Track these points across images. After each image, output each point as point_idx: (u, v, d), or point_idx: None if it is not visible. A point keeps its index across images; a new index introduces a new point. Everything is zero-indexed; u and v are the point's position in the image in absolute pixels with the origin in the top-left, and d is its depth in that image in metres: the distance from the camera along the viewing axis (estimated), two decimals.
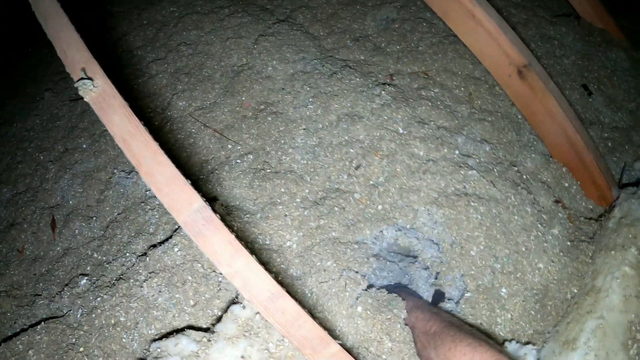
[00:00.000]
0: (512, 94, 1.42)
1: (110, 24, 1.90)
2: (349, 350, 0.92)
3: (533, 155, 1.42)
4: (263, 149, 1.39)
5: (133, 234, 1.27)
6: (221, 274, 0.99)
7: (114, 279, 1.16)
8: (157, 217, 1.27)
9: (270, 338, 0.87)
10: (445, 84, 1.51)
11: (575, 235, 1.31)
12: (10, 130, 1.75)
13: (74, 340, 1.07)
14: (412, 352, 0.95)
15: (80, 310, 1.13)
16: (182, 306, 1.03)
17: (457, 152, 1.32)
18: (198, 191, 0.80)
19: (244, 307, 0.91)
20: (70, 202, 1.45)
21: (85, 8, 1.96)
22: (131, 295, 1.08)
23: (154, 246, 1.16)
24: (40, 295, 1.27)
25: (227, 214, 1.21)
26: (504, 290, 1.17)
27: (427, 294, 1.13)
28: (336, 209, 1.21)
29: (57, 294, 1.23)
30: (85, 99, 0.87)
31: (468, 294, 1.15)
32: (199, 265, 1.08)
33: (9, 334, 1.16)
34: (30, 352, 1.08)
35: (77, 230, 1.38)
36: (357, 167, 1.29)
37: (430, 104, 1.43)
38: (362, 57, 1.62)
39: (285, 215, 1.21)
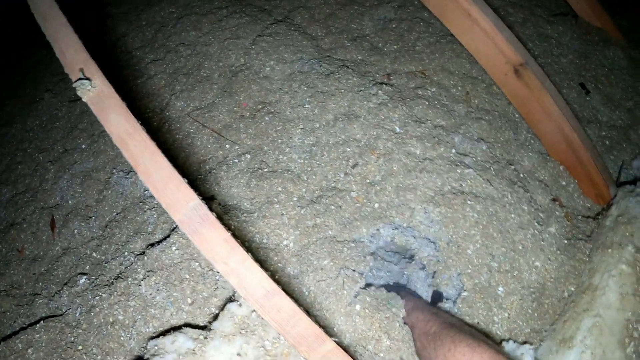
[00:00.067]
0: (509, 93, 1.42)
1: (109, 25, 1.91)
2: (345, 348, 0.93)
3: (530, 153, 1.43)
4: (260, 148, 1.39)
5: (131, 234, 1.27)
6: (218, 272, 1.00)
7: (113, 277, 1.16)
8: (155, 216, 1.28)
9: (266, 336, 0.87)
10: (442, 83, 1.52)
11: (573, 234, 1.31)
12: (9, 131, 1.76)
13: (72, 338, 1.08)
14: (411, 350, 0.96)
15: (79, 309, 1.14)
16: (180, 304, 1.03)
17: (453, 150, 1.32)
18: (195, 190, 0.81)
19: (240, 305, 0.92)
20: (70, 202, 1.46)
21: (85, 9, 1.97)
22: (129, 293, 1.08)
23: (152, 245, 1.17)
24: (40, 294, 1.28)
25: (224, 213, 1.22)
26: (500, 289, 1.18)
27: (426, 295, 1.14)
28: (333, 207, 1.22)
29: (56, 293, 1.24)
30: (83, 99, 0.88)
31: (465, 293, 1.15)
32: (197, 263, 1.09)
33: (9, 333, 1.17)
34: (29, 350, 1.09)
35: (76, 230, 1.38)
36: (353, 166, 1.29)
37: (427, 103, 1.43)
38: (360, 57, 1.63)
39: (282, 214, 1.22)
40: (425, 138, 1.33)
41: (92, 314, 1.09)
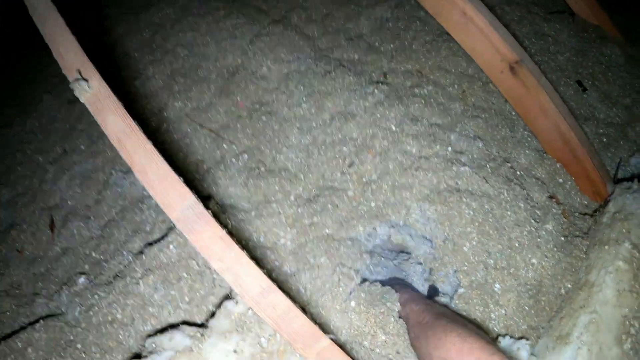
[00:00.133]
0: (505, 91, 1.43)
1: (108, 27, 1.92)
2: (341, 345, 0.94)
3: (527, 151, 1.43)
4: (258, 148, 1.40)
5: (130, 233, 1.28)
6: (215, 270, 1.01)
7: (111, 277, 1.17)
8: (153, 216, 1.29)
9: (262, 333, 0.88)
10: (438, 81, 1.52)
11: (570, 231, 1.31)
12: (9, 132, 1.78)
13: (72, 337, 1.09)
14: (406, 344, 0.96)
15: (78, 308, 1.15)
16: (178, 303, 1.04)
17: (449, 148, 1.32)
18: (192, 189, 0.82)
19: (237, 303, 0.92)
20: (69, 202, 1.47)
21: (83, 11, 1.99)
22: (128, 292, 1.09)
23: (150, 244, 1.17)
24: (40, 294, 1.29)
25: (222, 212, 1.23)
26: (497, 285, 1.18)
27: (422, 289, 1.14)
28: (329, 206, 1.22)
29: (55, 292, 1.25)
30: (80, 100, 0.89)
31: (461, 290, 1.15)
32: (194, 262, 1.10)
33: (9, 332, 1.18)
34: (29, 349, 1.10)
35: (75, 230, 1.39)
36: (350, 165, 1.30)
37: (423, 101, 1.44)
38: (356, 56, 1.63)
39: (279, 213, 1.23)
40: (421, 136, 1.33)
41: (91, 313, 1.10)
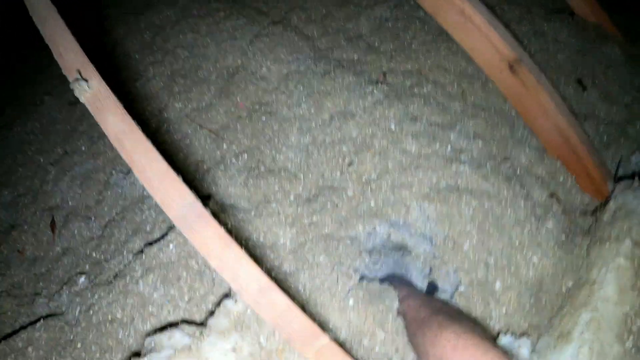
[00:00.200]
0: (505, 90, 1.43)
1: (108, 28, 1.93)
2: (341, 344, 0.93)
3: (527, 150, 1.43)
4: (257, 148, 1.40)
5: (130, 233, 1.29)
6: (214, 269, 1.01)
7: (112, 276, 1.17)
8: (153, 216, 1.29)
9: (261, 331, 0.88)
10: (438, 81, 1.52)
11: (570, 229, 1.31)
12: (10, 134, 1.79)
13: (72, 337, 1.09)
14: (405, 341, 0.96)
15: (78, 308, 1.15)
16: (177, 302, 1.04)
17: (449, 147, 1.32)
18: (192, 189, 0.82)
19: (236, 302, 0.92)
20: (70, 203, 1.48)
21: (84, 12, 2.00)
22: (127, 292, 1.09)
23: (150, 244, 1.18)
24: (40, 294, 1.29)
25: (221, 212, 1.23)
26: (498, 284, 1.17)
27: (421, 286, 1.14)
28: (329, 205, 1.22)
29: (56, 292, 1.26)
30: (80, 100, 0.90)
31: (462, 288, 1.15)
32: (194, 261, 1.10)
33: (9, 332, 1.18)
34: (29, 348, 1.10)
35: (76, 231, 1.40)
36: (349, 164, 1.30)
37: (422, 100, 1.44)
38: (356, 56, 1.64)
39: (279, 213, 1.23)
40: (421, 135, 1.33)
41: (91, 312, 1.10)
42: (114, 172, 1.48)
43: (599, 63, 1.74)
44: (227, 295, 0.99)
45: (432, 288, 1.11)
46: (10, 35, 2.16)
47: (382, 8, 1.77)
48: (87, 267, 1.28)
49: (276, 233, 1.19)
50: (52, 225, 1.45)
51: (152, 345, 0.89)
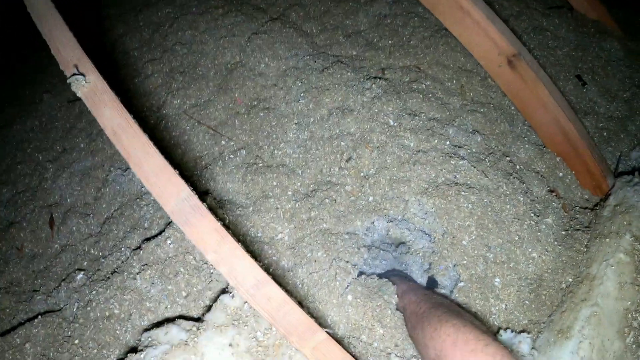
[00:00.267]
0: (504, 84, 1.42)
1: (108, 26, 1.93)
2: (339, 340, 0.93)
3: (526, 145, 1.42)
4: (256, 143, 1.40)
5: (128, 229, 1.28)
6: (211, 263, 1.00)
7: (109, 272, 1.17)
8: (151, 212, 1.29)
9: (258, 327, 0.88)
10: (436, 76, 1.52)
11: (570, 225, 1.30)
12: (10, 132, 1.79)
13: (69, 333, 1.09)
14: (404, 336, 0.95)
15: (76, 304, 1.15)
16: (175, 297, 1.04)
17: (447, 142, 1.32)
18: (191, 185, 0.82)
19: (233, 297, 0.92)
20: (68, 200, 1.47)
21: (85, 12, 2.00)
22: (125, 287, 1.09)
23: (148, 240, 1.17)
24: (39, 291, 1.29)
25: (219, 208, 1.23)
26: (497, 280, 1.17)
27: (421, 280, 1.13)
28: (327, 201, 1.22)
29: (54, 289, 1.25)
30: (77, 94, 0.90)
31: (461, 284, 1.14)
32: (191, 257, 1.09)
33: (8, 329, 1.18)
34: (27, 345, 1.10)
35: (74, 228, 1.40)
36: (348, 160, 1.29)
37: (421, 96, 1.43)
38: (354, 53, 1.63)
39: (277, 208, 1.22)
40: (419, 130, 1.33)
41: (89, 308, 1.10)
42: (112, 169, 1.48)
43: (598, 58, 1.73)
44: (224, 290, 0.99)
45: (432, 282, 1.10)
46: (10, 35, 2.16)
47: (380, 4, 1.77)
48: (85, 263, 1.28)
49: (274, 228, 1.19)
50: (51, 222, 1.45)
51: (149, 340, 0.89)
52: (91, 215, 1.41)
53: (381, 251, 1.15)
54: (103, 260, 1.24)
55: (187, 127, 1.50)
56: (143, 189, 1.37)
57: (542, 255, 1.21)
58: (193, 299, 1.03)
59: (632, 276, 1.11)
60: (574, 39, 1.76)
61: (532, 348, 1.08)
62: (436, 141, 1.31)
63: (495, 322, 1.13)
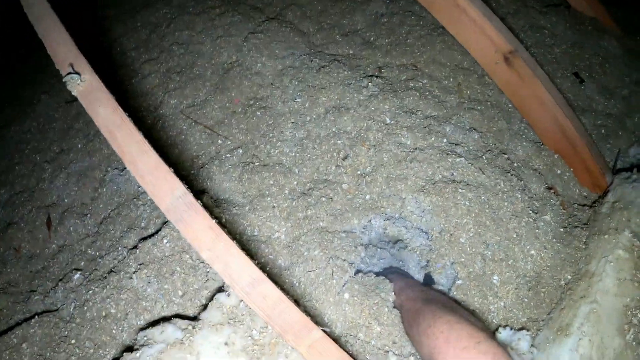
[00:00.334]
0: (500, 82, 1.42)
1: (105, 27, 1.94)
2: (336, 338, 0.92)
3: (524, 143, 1.41)
4: (252, 143, 1.40)
5: (125, 229, 1.28)
6: (207, 262, 1.00)
7: (106, 272, 1.17)
8: (148, 211, 1.29)
9: (254, 325, 0.87)
10: (433, 74, 1.52)
11: (569, 222, 1.29)
12: (7, 133, 1.79)
13: (66, 332, 1.08)
14: (402, 333, 0.95)
15: (73, 304, 1.15)
16: (171, 297, 1.04)
17: (444, 140, 1.31)
18: (187, 185, 0.81)
19: (228, 295, 0.91)
20: (66, 200, 1.47)
21: (81, 11, 2.01)
22: (121, 287, 1.09)
23: (144, 239, 1.17)
24: (36, 291, 1.29)
25: (216, 207, 1.22)
26: (495, 277, 1.16)
27: (418, 277, 1.13)
28: (324, 199, 1.22)
29: (51, 289, 1.25)
30: (73, 93, 0.90)
31: (459, 282, 1.14)
32: (188, 256, 1.09)
33: (4, 329, 1.18)
34: (24, 345, 1.09)
35: (71, 228, 1.40)
36: (344, 158, 1.29)
37: (418, 94, 1.43)
38: (351, 52, 1.63)
39: (274, 207, 1.22)
40: (416, 128, 1.32)
41: (86, 308, 1.10)
42: (109, 169, 1.47)
43: (596, 56, 1.73)
44: (220, 289, 0.99)
45: (429, 279, 1.10)
46: (10, 35, 2.17)
47: (377, 3, 1.77)
48: (82, 263, 1.27)
49: (271, 227, 1.19)
50: (48, 222, 1.45)
51: (145, 339, 0.88)
52: (88, 215, 1.40)
53: (378, 249, 1.15)
54: (100, 260, 1.24)
55: (184, 127, 1.50)
56: (140, 188, 1.37)
57: (541, 253, 1.20)
58: (189, 298, 1.03)
59: (631, 273, 1.10)
60: (571, 36, 1.76)
61: (532, 345, 1.07)
62: (433, 139, 1.31)
63: (494, 320, 1.12)
